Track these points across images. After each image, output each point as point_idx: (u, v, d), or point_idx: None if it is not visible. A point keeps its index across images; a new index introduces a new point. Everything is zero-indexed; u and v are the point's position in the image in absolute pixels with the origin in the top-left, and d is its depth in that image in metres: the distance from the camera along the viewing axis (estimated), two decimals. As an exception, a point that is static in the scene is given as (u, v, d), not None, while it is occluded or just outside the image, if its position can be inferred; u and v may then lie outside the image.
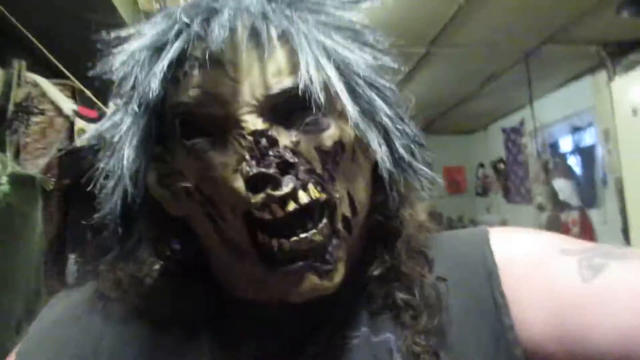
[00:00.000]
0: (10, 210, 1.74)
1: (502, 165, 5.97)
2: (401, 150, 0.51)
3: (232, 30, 0.46)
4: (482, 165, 6.46)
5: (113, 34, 0.50)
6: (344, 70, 0.48)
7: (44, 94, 1.75)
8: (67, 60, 1.89)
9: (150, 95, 0.47)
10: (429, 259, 0.56)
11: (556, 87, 4.65)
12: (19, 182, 1.72)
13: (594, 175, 4.41)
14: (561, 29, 3.23)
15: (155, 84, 0.46)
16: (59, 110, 1.85)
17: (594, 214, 4.43)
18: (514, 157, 5.70)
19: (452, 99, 4.80)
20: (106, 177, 0.52)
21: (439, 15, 2.94)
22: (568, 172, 4.73)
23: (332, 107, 0.49)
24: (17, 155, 1.80)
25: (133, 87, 0.49)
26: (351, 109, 0.48)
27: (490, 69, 4.05)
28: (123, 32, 0.50)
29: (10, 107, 1.71)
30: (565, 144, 4.91)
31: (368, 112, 0.50)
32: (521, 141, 5.34)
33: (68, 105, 1.87)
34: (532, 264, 0.52)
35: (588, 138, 4.56)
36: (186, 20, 0.47)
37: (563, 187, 4.65)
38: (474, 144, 6.50)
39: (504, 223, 5.67)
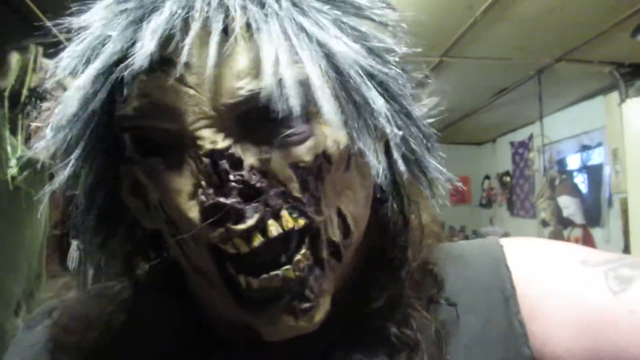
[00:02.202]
0: (18, 192, 1.77)
1: (508, 178, 5.97)
2: (400, 162, 0.43)
3: (172, 31, 0.37)
4: (487, 177, 6.46)
5: (59, 28, 0.42)
6: (333, 60, 0.39)
7: (58, 81, 1.78)
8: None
9: (66, 112, 0.40)
10: (439, 279, 0.49)
11: (568, 105, 4.64)
12: (28, 165, 1.75)
13: (600, 195, 4.40)
14: (575, 48, 3.23)
15: (73, 101, 0.39)
16: (71, 98, 1.88)
17: (597, 233, 4.42)
18: (520, 171, 5.69)
19: (462, 110, 4.80)
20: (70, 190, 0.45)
21: (453, 27, 2.94)
22: (574, 190, 4.73)
23: (315, 110, 0.39)
24: (28, 139, 1.83)
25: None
26: (331, 113, 0.38)
27: (502, 82, 4.05)
28: (76, 22, 0.42)
29: (25, 92, 1.74)
30: (573, 162, 4.90)
31: (365, 111, 0.41)
32: (528, 156, 5.33)
33: (81, 93, 1.90)
34: (554, 278, 0.47)
35: (596, 157, 4.56)
36: (110, 31, 0.39)
37: (568, 204, 4.64)
38: (481, 156, 6.49)
39: (506, 235, 5.66)
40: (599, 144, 4.43)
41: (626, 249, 3.74)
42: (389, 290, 0.48)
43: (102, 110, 0.40)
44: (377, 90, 0.42)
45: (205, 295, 0.48)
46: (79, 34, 0.41)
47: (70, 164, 0.42)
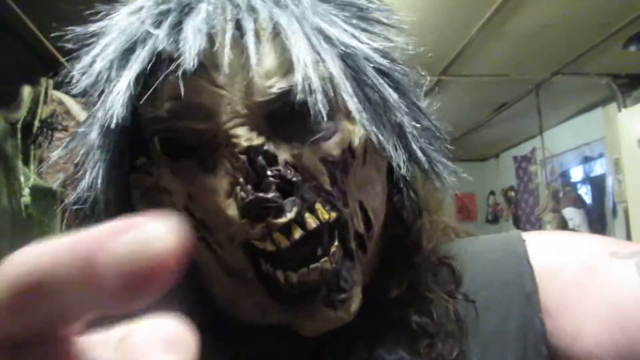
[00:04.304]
0: (31, 220, 1.82)
1: (512, 193, 5.98)
2: (419, 154, 0.44)
3: (213, 31, 0.38)
4: (493, 193, 6.47)
5: (79, 32, 0.41)
6: (349, 59, 0.41)
7: (68, 112, 1.85)
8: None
9: (114, 116, 0.38)
10: (457, 274, 0.49)
11: (568, 118, 4.68)
12: (40, 194, 1.80)
13: (604, 205, 4.42)
14: (571, 62, 3.28)
15: (118, 107, 0.38)
16: (81, 127, 1.94)
17: (603, 244, 4.42)
18: (525, 186, 5.71)
19: (464, 127, 4.84)
20: (83, 198, 0.44)
21: (450, 46, 3.00)
22: (578, 201, 4.73)
23: (338, 106, 0.41)
24: (39, 168, 1.89)
25: (99, 98, 0.41)
26: (358, 112, 0.40)
27: (501, 98, 4.10)
28: (91, 28, 0.41)
29: (36, 123, 1.80)
30: (576, 174, 4.93)
31: (380, 107, 0.42)
32: (530, 169, 5.35)
33: (90, 123, 1.96)
34: (582, 271, 0.45)
35: (598, 168, 4.58)
36: (151, 29, 0.39)
37: (573, 215, 4.64)
38: (485, 172, 6.50)
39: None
40: (601, 155, 4.46)
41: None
42: (406, 277, 0.48)
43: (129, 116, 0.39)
44: (390, 86, 0.43)
45: (230, 298, 0.48)
46: (94, 40, 0.41)
47: (93, 169, 0.42)
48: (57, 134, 1.90)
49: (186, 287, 0.48)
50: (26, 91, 1.77)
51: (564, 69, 3.42)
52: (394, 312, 0.48)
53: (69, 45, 0.42)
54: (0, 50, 1.89)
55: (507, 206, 6.14)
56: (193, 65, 0.36)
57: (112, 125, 0.38)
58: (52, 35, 0.41)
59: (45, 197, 1.86)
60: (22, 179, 1.82)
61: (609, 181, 4.28)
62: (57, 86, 1.83)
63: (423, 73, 0.48)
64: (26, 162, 1.87)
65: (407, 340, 0.46)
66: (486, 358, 0.45)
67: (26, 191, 1.82)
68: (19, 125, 1.79)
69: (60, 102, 1.84)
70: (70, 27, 0.41)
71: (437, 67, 3.29)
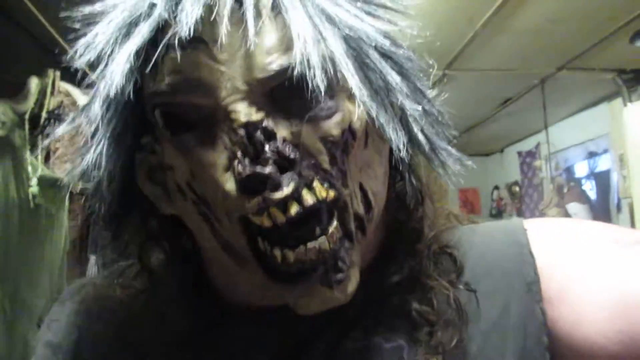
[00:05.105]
0: (38, 210, 1.84)
1: (517, 188, 5.97)
2: (420, 136, 0.44)
3: (211, 5, 0.38)
4: (497, 188, 6.46)
5: (85, 12, 0.42)
6: (352, 40, 0.40)
7: (75, 103, 1.86)
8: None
9: (114, 89, 0.39)
10: (458, 263, 0.49)
11: (573, 113, 4.67)
12: (48, 184, 1.82)
13: (609, 201, 4.42)
14: (576, 57, 3.27)
15: (118, 77, 0.39)
16: (88, 118, 1.95)
17: (607, 240, 4.41)
18: (529, 181, 5.70)
19: (468, 121, 4.83)
20: (88, 176, 0.45)
21: (455, 40, 2.99)
22: (582, 196, 4.73)
23: (340, 86, 0.41)
24: (47, 159, 1.90)
25: (102, 72, 0.41)
26: (358, 90, 0.40)
27: (506, 93, 4.09)
28: (96, 7, 0.42)
29: (44, 115, 1.81)
30: (581, 169, 4.92)
31: (382, 90, 0.42)
32: (535, 163, 5.35)
33: (97, 114, 1.97)
34: (584, 259, 0.45)
35: (603, 163, 4.58)
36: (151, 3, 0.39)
37: (577, 210, 4.64)
38: (489, 166, 6.50)
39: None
40: (605, 151, 4.46)
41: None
42: (407, 263, 0.48)
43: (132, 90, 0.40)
44: (393, 69, 0.43)
45: (229, 278, 0.49)
46: (98, 18, 0.42)
47: (98, 145, 0.43)
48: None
49: (186, 271, 0.52)
50: (33, 82, 1.79)
51: (570, 63, 3.41)
52: (394, 299, 0.48)
53: (75, 27, 0.42)
54: (7, 41, 1.90)
55: (511, 201, 6.13)
56: (189, 34, 0.37)
57: (112, 95, 0.39)
58: (62, 16, 0.42)
59: (52, 187, 1.88)
60: (29, 169, 1.83)
61: (614, 177, 4.27)
62: (65, 77, 1.84)
63: (431, 62, 0.48)
64: (33, 153, 1.88)
65: (406, 328, 0.47)
66: (486, 347, 0.45)
67: (34, 181, 1.83)
68: (27, 117, 1.81)
69: (68, 94, 1.85)
70: (76, 8, 0.42)
71: (442, 61, 3.29)
